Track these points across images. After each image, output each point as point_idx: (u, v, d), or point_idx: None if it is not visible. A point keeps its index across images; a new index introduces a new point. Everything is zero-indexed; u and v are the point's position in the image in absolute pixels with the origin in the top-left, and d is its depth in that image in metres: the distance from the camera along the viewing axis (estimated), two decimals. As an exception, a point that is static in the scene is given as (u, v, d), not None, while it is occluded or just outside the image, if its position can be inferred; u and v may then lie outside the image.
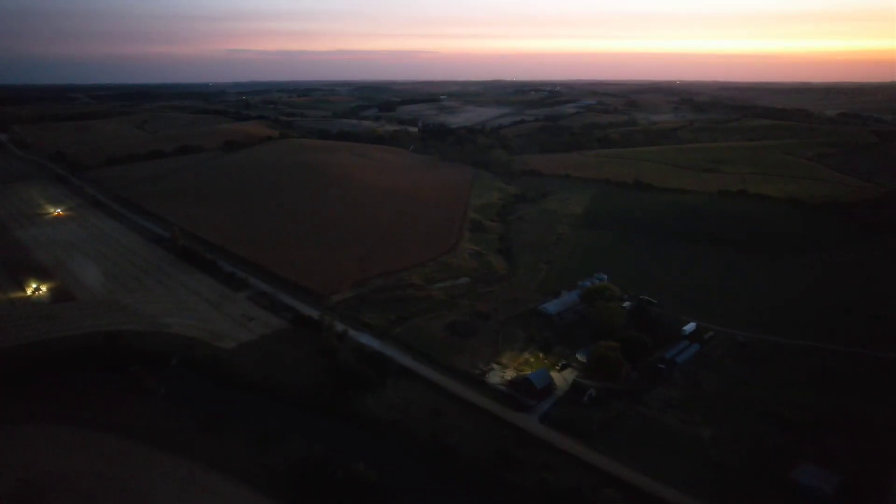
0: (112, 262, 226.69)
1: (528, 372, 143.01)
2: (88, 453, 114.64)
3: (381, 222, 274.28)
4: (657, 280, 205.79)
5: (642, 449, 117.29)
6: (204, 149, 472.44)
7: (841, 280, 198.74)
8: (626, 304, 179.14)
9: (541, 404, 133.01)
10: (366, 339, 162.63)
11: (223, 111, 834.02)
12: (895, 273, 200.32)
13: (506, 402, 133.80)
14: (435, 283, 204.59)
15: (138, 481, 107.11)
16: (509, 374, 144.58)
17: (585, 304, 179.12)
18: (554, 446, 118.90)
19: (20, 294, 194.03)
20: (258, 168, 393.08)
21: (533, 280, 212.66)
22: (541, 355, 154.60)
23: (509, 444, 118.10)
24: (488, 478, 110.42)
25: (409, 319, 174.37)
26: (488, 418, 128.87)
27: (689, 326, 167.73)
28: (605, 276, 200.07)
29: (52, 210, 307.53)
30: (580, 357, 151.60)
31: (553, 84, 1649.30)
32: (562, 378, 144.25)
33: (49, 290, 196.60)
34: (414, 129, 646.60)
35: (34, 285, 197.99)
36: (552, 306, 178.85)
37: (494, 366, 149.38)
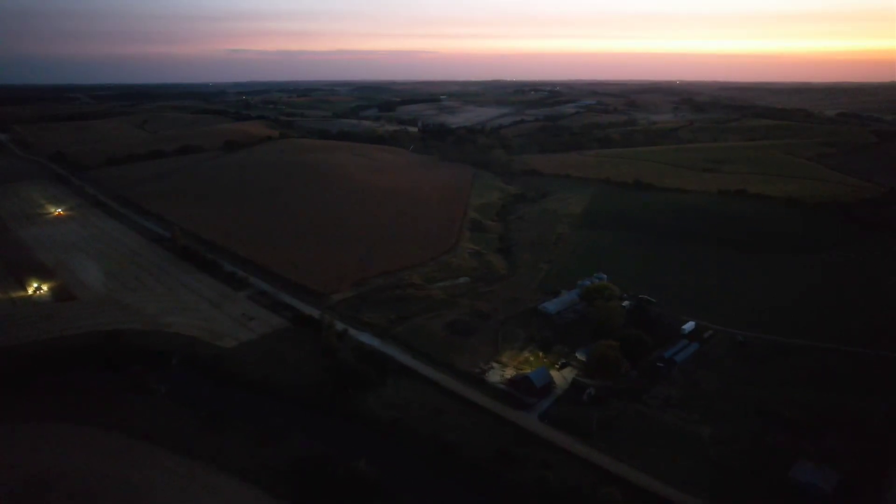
0: (113, 262, 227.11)
1: (527, 371, 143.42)
2: (90, 451, 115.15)
3: (382, 222, 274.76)
4: (656, 279, 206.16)
5: (642, 447, 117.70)
6: (204, 149, 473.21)
7: (840, 279, 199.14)
8: (626, 303, 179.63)
9: (540, 403, 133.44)
10: (366, 338, 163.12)
11: (223, 111, 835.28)
12: (894, 272, 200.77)
13: (506, 400, 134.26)
14: (435, 283, 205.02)
15: (140, 479, 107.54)
16: (509, 373, 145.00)
17: (585, 303, 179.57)
18: (553, 444, 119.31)
19: (22, 293, 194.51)
20: (258, 168, 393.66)
21: (533, 279, 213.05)
22: (540, 354, 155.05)
23: (509, 442, 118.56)
24: (488, 476, 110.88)
25: (410, 319, 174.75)
26: (488, 417, 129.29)
27: (689, 325, 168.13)
28: (605, 276, 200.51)
29: (52, 210, 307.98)
30: (580, 356, 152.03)
31: (553, 84, 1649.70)
32: (561, 377, 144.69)
33: (50, 289, 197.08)
34: (414, 129, 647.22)
35: (35, 284, 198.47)
36: (552, 305, 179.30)
37: (494, 364, 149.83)
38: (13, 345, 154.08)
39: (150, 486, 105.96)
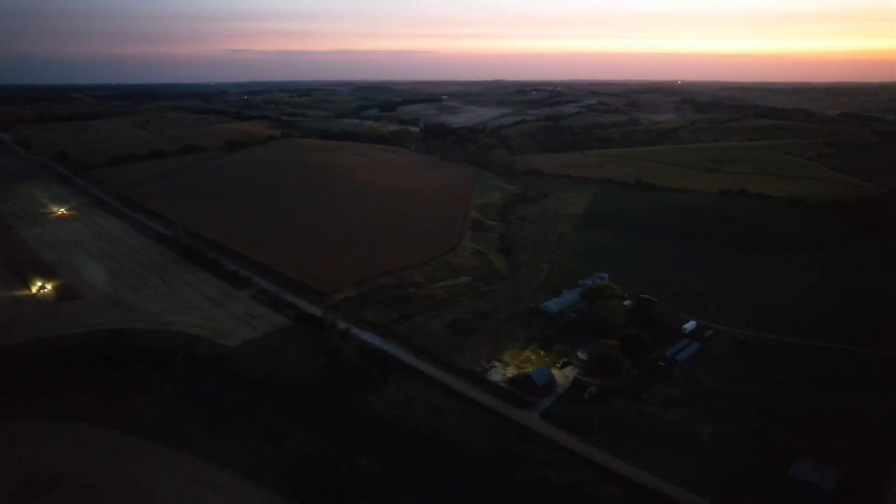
0: (116, 261, 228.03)
1: (529, 369, 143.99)
2: (94, 448, 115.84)
3: (383, 221, 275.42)
4: (658, 279, 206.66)
5: (642, 446, 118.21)
6: (206, 148, 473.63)
7: (840, 279, 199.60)
8: (627, 302, 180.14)
9: (542, 401, 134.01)
10: (368, 337, 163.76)
11: (224, 111, 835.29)
12: (894, 272, 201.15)
13: (507, 399, 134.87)
14: (436, 282, 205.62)
15: (143, 476, 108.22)
16: (510, 372, 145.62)
17: (586, 302, 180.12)
18: (555, 443, 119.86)
19: (25, 292, 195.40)
20: (260, 168, 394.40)
21: (534, 279, 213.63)
22: (542, 353, 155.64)
23: (510, 440, 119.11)
24: (489, 474, 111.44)
25: (411, 318, 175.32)
26: (490, 415, 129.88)
27: (690, 325, 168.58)
28: (606, 275, 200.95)
29: (55, 209, 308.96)
30: (581, 355, 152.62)
31: (554, 84, 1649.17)
32: (563, 376, 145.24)
33: (54, 288, 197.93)
34: (415, 129, 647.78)
35: (39, 284, 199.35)
36: (553, 305, 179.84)
37: (496, 363, 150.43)
38: (17, 343, 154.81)
39: (153, 483, 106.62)
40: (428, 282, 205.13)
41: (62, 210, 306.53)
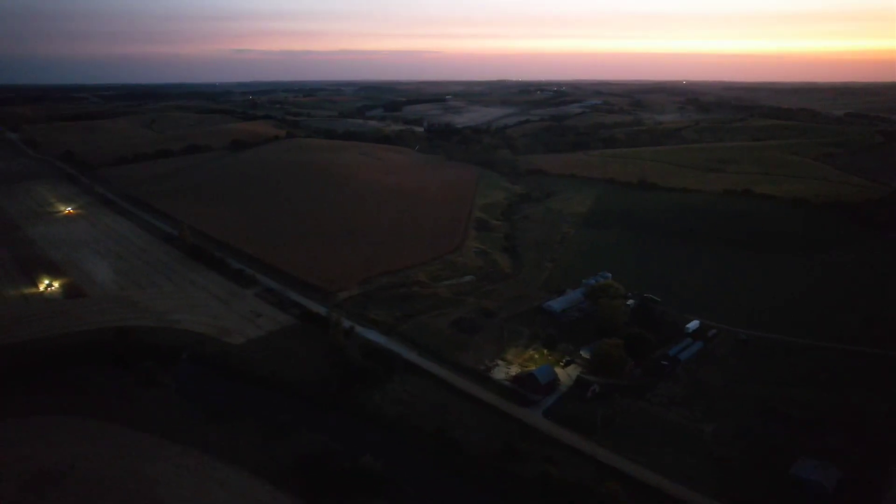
0: (122, 260, 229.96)
1: (532, 368, 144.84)
2: (101, 444, 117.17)
3: (388, 221, 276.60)
4: (661, 278, 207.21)
5: (645, 444, 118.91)
6: (211, 148, 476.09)
7: (843, 279, 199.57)
8: (630, 301, 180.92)
9: (545, 400, 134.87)
10: (372, 336, 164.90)
11: (230, 111, 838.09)
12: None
13: (510, 397, 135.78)
14: (441, 281, 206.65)
15: (149, 472, 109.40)
16: (514, 370, 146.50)
17: (589, 301, 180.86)
18: (558, 441, 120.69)
19: (33, 290, 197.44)
20: (265, 167, 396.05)
21: (537, 278, 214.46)
22: (545, 352, 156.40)
23: (513, 438, 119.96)
24: (492, 471, 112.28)
25: (415, 316, 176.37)
26: (493, 413, 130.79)
27: (693, 324, 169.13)
28: (610, 275, 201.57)
29: (62, 208, 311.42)
30: (584, 354, 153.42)
31: (558, 84, 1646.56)
32: (566, 374, 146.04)
33: (61, 286, 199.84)
34: (420, 129, 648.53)
35: (46, 282, 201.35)
36: (556, 304, 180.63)
37: (499, 362, 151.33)
38: (26, 340, 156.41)
39: (159, 479, 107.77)
40: (432, 281, 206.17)
41: (69, 209, 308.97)
